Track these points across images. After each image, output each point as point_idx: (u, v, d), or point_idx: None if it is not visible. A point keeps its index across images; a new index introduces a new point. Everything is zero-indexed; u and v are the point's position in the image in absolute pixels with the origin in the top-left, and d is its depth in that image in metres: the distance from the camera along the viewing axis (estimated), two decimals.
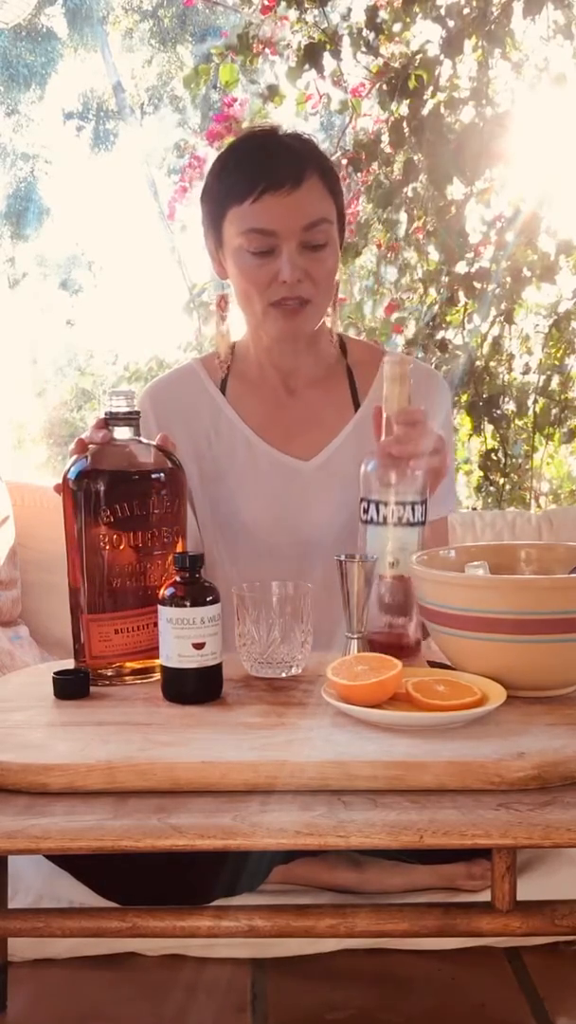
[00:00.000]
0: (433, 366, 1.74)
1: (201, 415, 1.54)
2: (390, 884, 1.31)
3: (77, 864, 1.28)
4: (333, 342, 1.57)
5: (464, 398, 2.91)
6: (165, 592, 1.11)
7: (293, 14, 2.75)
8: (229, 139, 2.93)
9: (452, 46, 2.54)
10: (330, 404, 1.53)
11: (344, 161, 2.77)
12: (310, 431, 1.52)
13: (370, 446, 1.32)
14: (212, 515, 1.52)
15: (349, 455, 1.47)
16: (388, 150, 2.74)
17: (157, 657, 1.12)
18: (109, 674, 1.18)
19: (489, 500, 3.06)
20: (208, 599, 1.09)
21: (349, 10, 2.75)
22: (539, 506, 3.11)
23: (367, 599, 1.17)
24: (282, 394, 1.55)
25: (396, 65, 2.64)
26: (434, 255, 2.91)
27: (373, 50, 2.67)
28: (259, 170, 1.39)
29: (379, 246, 3.02)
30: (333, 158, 2.43)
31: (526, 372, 2.98)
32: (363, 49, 2.67)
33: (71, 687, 1.14)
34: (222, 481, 1.51)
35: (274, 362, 1.53)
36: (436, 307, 2.87)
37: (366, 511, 1.24)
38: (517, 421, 2.98)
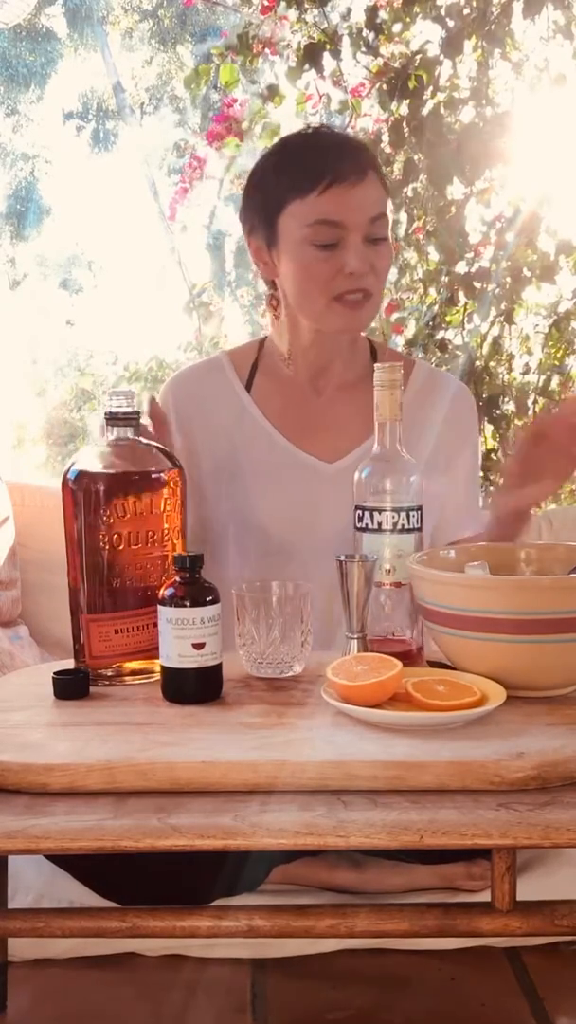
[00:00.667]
0: (433, 366, 1.74)
1: (223, 409, 1.54)
2: (390, 884, 1.31)
3: (77, 864, 1.28)
4: (368, 348, 1.57)
5: None
6: (165, 592, 1.11)
7: (293, 14, 2.75)
8: (229, 139, 2.93)
9: (452, 46, 2.54)
10: (357, 409, 1.51)
11: None
12: (334, 433, 1.52)
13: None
14: (227, 511, 1.52)
15: (375, 463, 1.47)
16: (388, 150, 2.74)
17: (157, 657, 1.12)
18: (109, 674, 1.18)
19: (489, 500, 3.05)
20: (208, 599, 1.09)
21: (349, 10, 2.74)
22: (539, 506, 3.11)
23: (367, 599, 1.17)
24: (309, 394, 1.55)
25: (396, 65, 2.64)
26: (434, 255, 2.91)
27: (373, 50, 2.67)
28: (323, 163, 1.40)
29: None
30: None
31: (526, 372, 2.98)
32: (363, 49, 2.67)
33: (71, 687, 1.14)
34: (240, 477, 1.51)
35: (310, 361, 1.52)
36: (436, 307, 2.87)
37: (360, 519, 1.23)
38: (517, 421, 2.97)
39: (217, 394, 1.55)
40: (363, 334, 1.58)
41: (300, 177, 1.41)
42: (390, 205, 1.59)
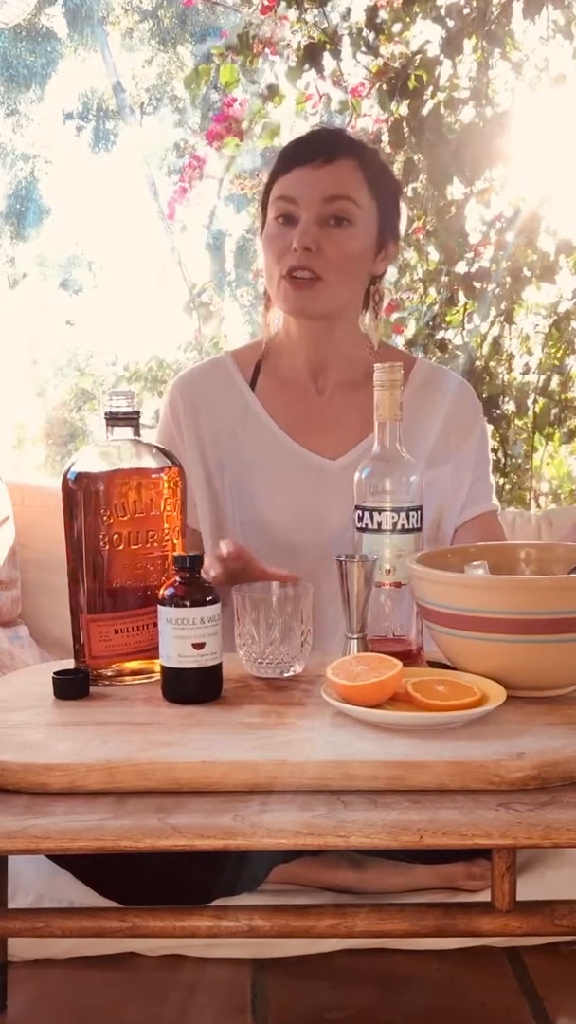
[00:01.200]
0: (433, 363, 1.73)
1: (228, 408, 1.55)
2: (390, 884, 1.31)
3: (77, 864, 1.28)
4: (372, 348, 1.57)
5: None
6: (165, 592, 1.11)
7: (293, 14, 2.75)
8: (229, 139, 2.93)
9: (452, 46, 2.54)
10: (359, 407, 1.51)
11: None
12: (337, 431, 1.52)
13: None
14: (232, 510, 1.52)
15: (374, 461, 1.47)
16: (388, 150, 2.73)
17: (157, 657, 1.12)
18: (109, 674, 1.18)
19: None
20: (208, 599, 1.09)
21: (349, 10, 2.74)
22: (539, 506, 3.11)
23: (367, 599, 1.17)
24: (312, 392, 1.56)
25: (396, 65, 2.64)
26: (434, 255, 2.91)
27: (373, 50, 2.67)
28: (297, 149, 1.49)
29: None
30: None
31: (526, 372, 2.98)
32: (363, 49, 2.67)
33: (71, 687, 1.14)
34: (245, 476, 1.52)
35: (303, 355, 1.54)
36: (436, 307, 2.87)
37: (360, 519, 1.23)
38: (517, 421, 2.97)
39: (222, 393, 1.56)
40: (364, 332, 1.58)
41: (278, 164, 1.50)
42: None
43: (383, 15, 2.66)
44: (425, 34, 2.67)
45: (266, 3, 2.73)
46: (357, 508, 1.24)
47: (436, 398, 1.57)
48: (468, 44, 2.58)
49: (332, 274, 1.45)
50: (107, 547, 1.16)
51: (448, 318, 2.87)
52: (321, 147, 1.47)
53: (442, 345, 2.87)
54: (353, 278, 1.50)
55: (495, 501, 1.61)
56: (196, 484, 1.52)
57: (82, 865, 1.28)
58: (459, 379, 1.65)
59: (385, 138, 2.72)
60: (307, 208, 1.44)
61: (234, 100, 2.93)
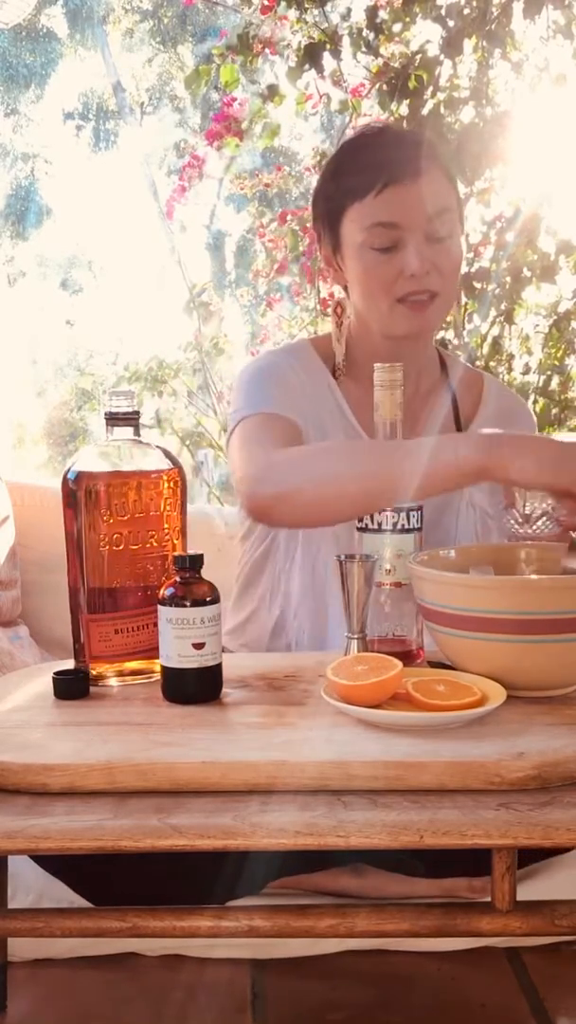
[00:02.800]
0: (501, 383, 1.71)
1: (324, 393, 1.51)
2: (391, 892, 1.30)
3: (72, 876, 1.27)
4: (441, 359, 1.56)
5: None
6: (165, 592, 1.11)
7: (293, 14, 2.75)
8: (229, 139, 2.93)
9: (452, 46, 2.54)
10: (433, 422, 1.50)
11: None
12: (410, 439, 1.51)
13: None
14: None
15: None
16: None
17: (157, 657, 1.12)
18: (109, 674, 1.18)
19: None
20: (208, 599, 1.09)
21: (349, 10, 2.74)
22: None
23: (367, 599, 1.17)
24: None
25: (396, 65, 2.64)
26: None
27: (373, 50, 2.67)
28: (379, 164, 1.39)
29: None
30: None
31: (526, 372, 2.98)
32: (363, 49, 2.67)
33: (71, 687, 1.14)
34: None
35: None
36: None
37: (360, 519, 1.23)
38: None
39: (313, 375, 1.52)
40: (433, 344, 1.56)
41: (356, 181, 1.40)
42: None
43: (383, 15, 2.66)
44: (425, 34, 2.68)
45: (266, 3, 2.73)
46: None
47: (505, 426, 1.52)
48: (468, 44, 2.58)
49: (446, 288, 1.42)
50: (107, 547, 1.16)
51: (448, 318, 2.87)
52: (406, 161, 1.38)
53: (442, 345, 2.87)
54: (457, 284, 1.47)
55: None
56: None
57: (77, 877, 1.27)
58: (528, 412, 1.63)
59: None
60: (413, 231, 1.38)
61: (234, 100, 2.94)
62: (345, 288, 1.51)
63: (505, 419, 1.56)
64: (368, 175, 1.39)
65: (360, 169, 1.40)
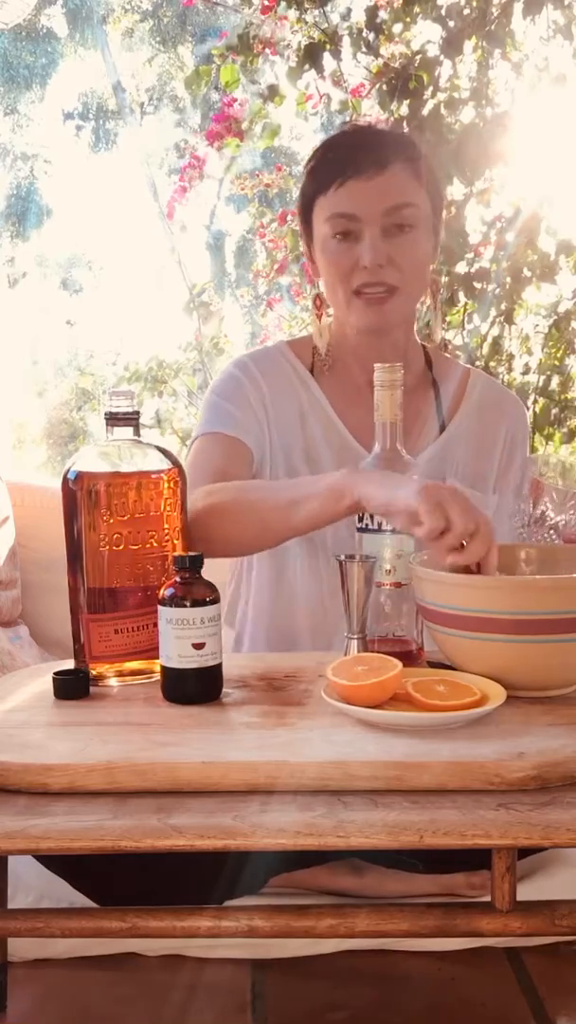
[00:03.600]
0: (489, 376, 1.71)
1: (297, 394, 1.52)
2: (390, 890, 1.31)
3: (74, 872, 1.27)
4: (427, 354, 1.55)
5: None
6: (165, 592, 1.11)
7: (293, 14, 2.75)
8: (229, 139, 2.94)
9: (452, 46, 2.54)
10: (416, 418, 1.51)
11: None
12: None
13: (450, 468, 1.39)
14: None
15: (430, 476, 1.47)
16: None
17: (157, 657, 1.12)
18: (109, 674, 1.18)
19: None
20: (208, 599, 1.09)
21: (349, 10, 2.75)
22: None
23: (367, 599, 1.17)
24: (368, 397, 1.53)
25: (396, 65, 2.64)
26: None
27: (373, 50, 2.67)
28: (344, 159, 1.41)
29: None
30: None
31: (526, 372, 2.98)
32: (363, 49, 2.67)
33: (71, 687, 1.14)
34: (312, 464, 1.49)
35: (360, 362, 1.49)
36: None
37: (360, 519, 1.23)
38: None
39: (290, 377, 1.53)
40: (419, 341, 1.57)
41: (323, 175, 1.43)
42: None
43: (383, 15, 2.67)
44: (425, 34, 2.68)
45: (266, 3, 2.73)
46: None
47: (489, 418, 1.56)
48: (468, 44, 2.58)
49: (406, 283, 1.42)
50: (107, 547, 1.16)
51: (448, 318, 2.87)
52: (371, 156, 1.40)
53: (442, 345, 2.87)
54: (423, 281, 1.47)
55: None
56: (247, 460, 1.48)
57: (79, 875, 1.27)
58: (515, 400, 1.63)
59: None
60: (370, 223, 1.39)
61: (234, 100, 2.94)
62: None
63: (489, 411, 1.56)
64: (334, 170, 1.42)
65: (328, 165, 1.43)
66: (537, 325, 3.00)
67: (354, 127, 1.56)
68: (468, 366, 1.67)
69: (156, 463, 1.20)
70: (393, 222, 1.40)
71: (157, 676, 1.14)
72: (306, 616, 1.50)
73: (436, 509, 1.09)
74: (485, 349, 2.88)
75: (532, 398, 2.92)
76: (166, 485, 1.19)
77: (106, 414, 1.20)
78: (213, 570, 1.16)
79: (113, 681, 1.18)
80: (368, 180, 1.39)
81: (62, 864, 1.26)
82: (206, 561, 1.13)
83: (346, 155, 1.42)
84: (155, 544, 1.18)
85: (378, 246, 1.39)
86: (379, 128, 1.48)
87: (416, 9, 2.60)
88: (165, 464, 1.20)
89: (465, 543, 1.10)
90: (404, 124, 2.58)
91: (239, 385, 1.51)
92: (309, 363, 1.54)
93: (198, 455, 1.48)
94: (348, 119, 2.79)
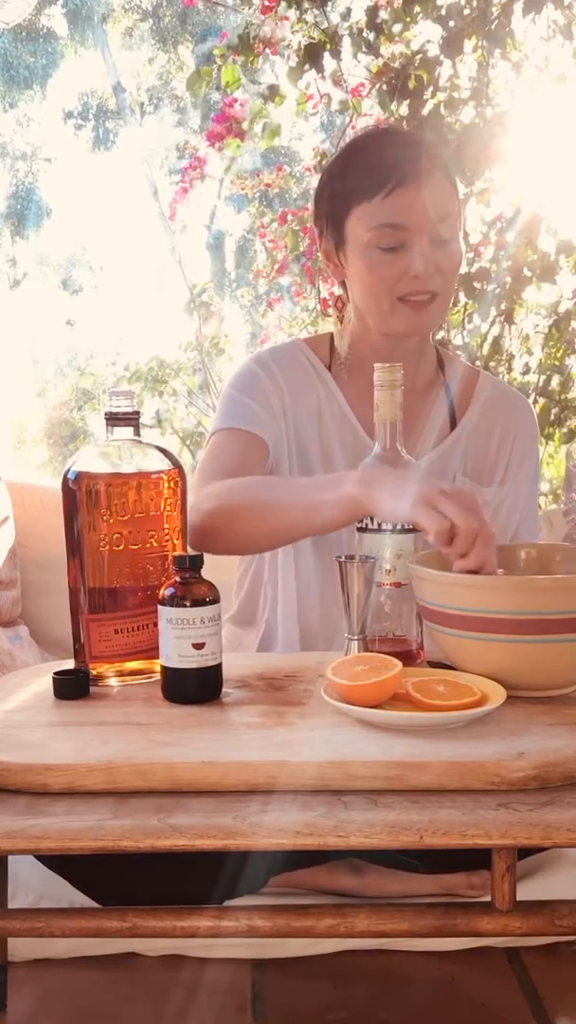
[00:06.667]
0: (497, 379, 1.72)
1: (315, 391, 1.53)
2: (390, 890, 1.31)
3: (74, 872, 1.27)
4: (438, 357, 1.57)
5: None
6: (165, 592, 1.11)
7: (293, 14, 2.75)
8: (230, 139, 2.93)
9: (452, 46, 2.54)
10: (428, 416, 1.52)
11: None
12: (409, 437, 1.51)
13: (459, 464, 1.39)
14: None
15: (439, 473, 1.49)
16: None
17: (157, 657, 1.13)
18: (109, 674, 1.18)
19: None
20: (208, 599, 1.09)
21: (349, 10, 2.74)
22: (539, 506, 3.11)
23: (367, 599, 1.17)
24: None
25: (396, 65, 2.64)
26: None
27: (373, 50, 2.67)
28: (387, 165, 1.40)
29: None
30: None
31: (526, 372, 2.97)
32: (363, 49, 2.66)
33: (71, 687, 1.14)
34: (329, 467, 1.50)
35: (381, 362, 1.51)
36: None
37: (360, 519, 1.23)
38: None
39: (308, 374, 1.54)
40: (431, 342, 1.58)
41: (365, 181, 1.41)
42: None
43: (383, 15, 2.66)
44: (425, 34, 2.67)
45: (266, 3, 2.73)
46: None
47: (498, 416, 1.56)
48: (468, 44, 2.57)
49: (446, 288, 1.45)
50: (107, 547, 1.16)
51: (448, 318, 2.87)
52: (415, 164, 1.40)
53: (442, 345, 2.87)
54: (454, 285, 1.49)
55: (538, 532, 1.60)
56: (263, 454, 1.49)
57: (79, 874, 1.27)
58: (524, 402, 1.64)
59: None
60: (419, 234, 1.40)
61: (235, 100, 2.93)
62: (343, 284, 1.53)
63: (498, 411, 1.57)
64: (377, 176, 1.40)
65: (369, 169, 1.42)
66: (537, 325, 2.99)
67: (384, 129, 1.56)
68: (479, 368, 1.68)
69: (156, 463, 1.20)
70: (439, 232, 1.41)
71: (157, 676, 1.14)
72: (324, 614, 1.51)
73: (435, 515, 1.11)
74: (485, 349, 2.87)
75: (532, 398, 2.92)
76: (166, 485, 1.19)
77: (106, 414, 1.20)
78: (214, 570, 1.16)
79: (113, 681, 1.18)
80: (417, 190, 1.39)
81: (62, 864, 1.26)
82: (209, 561, 1.13)
83: (388, 160, 1.41)
84: (155, 544, 1.18)
85: (429, 257, 1.40)
86: (409, 132, 1.48)
87: (416, 9, 2.60)
88: (165, 464, 1.20)
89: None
90: (404, 124, 2.58)
91: (258, 380, 1.52)
92: (326, 360, 1.55)
93: (215, 449, 1.49)
94: (349, 119, 2.79)
